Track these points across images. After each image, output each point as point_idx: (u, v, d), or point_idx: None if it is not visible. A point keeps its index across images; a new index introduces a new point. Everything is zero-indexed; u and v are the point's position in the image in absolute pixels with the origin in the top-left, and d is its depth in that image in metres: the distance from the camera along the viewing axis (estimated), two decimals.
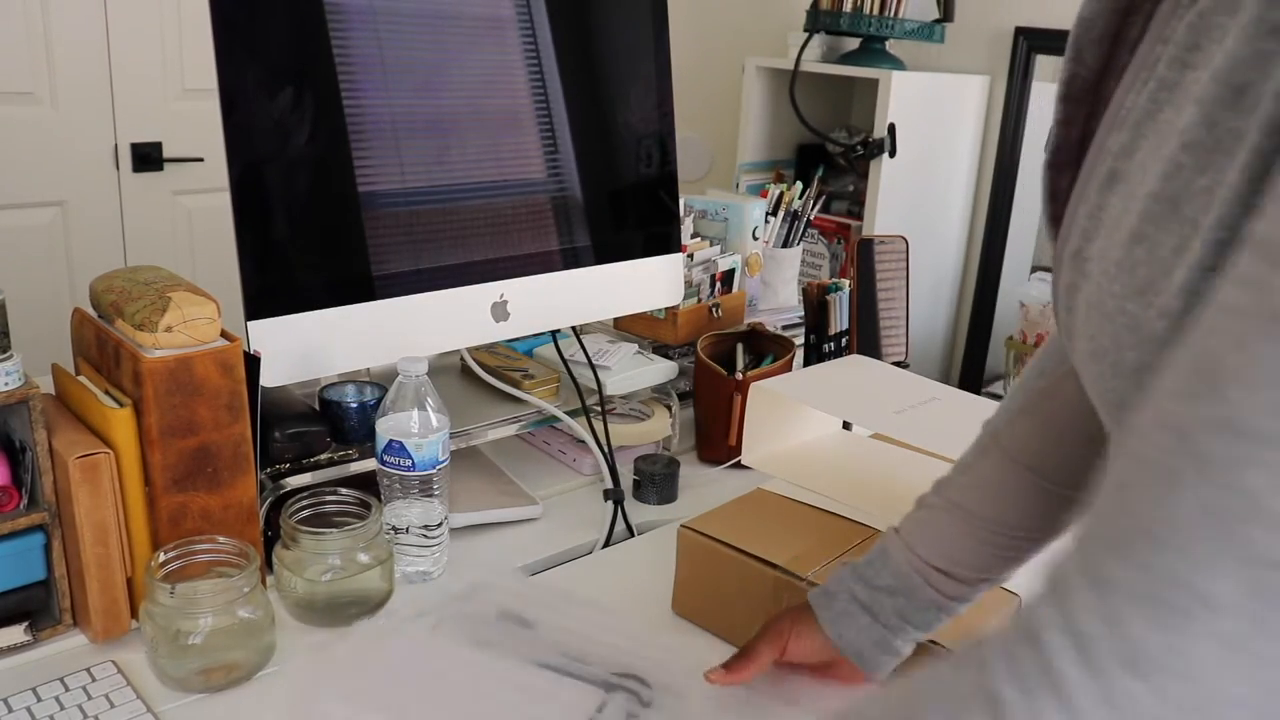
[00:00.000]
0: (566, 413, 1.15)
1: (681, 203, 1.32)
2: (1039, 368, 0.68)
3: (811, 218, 1.63)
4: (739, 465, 1.15)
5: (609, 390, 1.18)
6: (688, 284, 1.36)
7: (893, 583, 0.69)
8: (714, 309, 1.39)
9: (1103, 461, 0.68)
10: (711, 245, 1.47)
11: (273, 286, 0.93)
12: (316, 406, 1.03)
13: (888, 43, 2.59)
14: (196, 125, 2.31)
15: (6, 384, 0.75)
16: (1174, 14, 0.42)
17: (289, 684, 0.78)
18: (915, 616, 0.69)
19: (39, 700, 0.74)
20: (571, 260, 1.16)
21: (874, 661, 0.70)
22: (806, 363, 1.40)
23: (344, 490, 0.90)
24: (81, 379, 0.85)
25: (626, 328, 1.39)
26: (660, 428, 1.23)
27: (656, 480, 1.14)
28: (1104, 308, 0.41)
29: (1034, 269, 2.73)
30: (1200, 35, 0.39)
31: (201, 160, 2.35)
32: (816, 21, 2.54)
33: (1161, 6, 0.43)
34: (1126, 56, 0.49)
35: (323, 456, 0.99)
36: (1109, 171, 0.43)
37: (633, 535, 1.08)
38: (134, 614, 0.82)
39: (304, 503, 0.88)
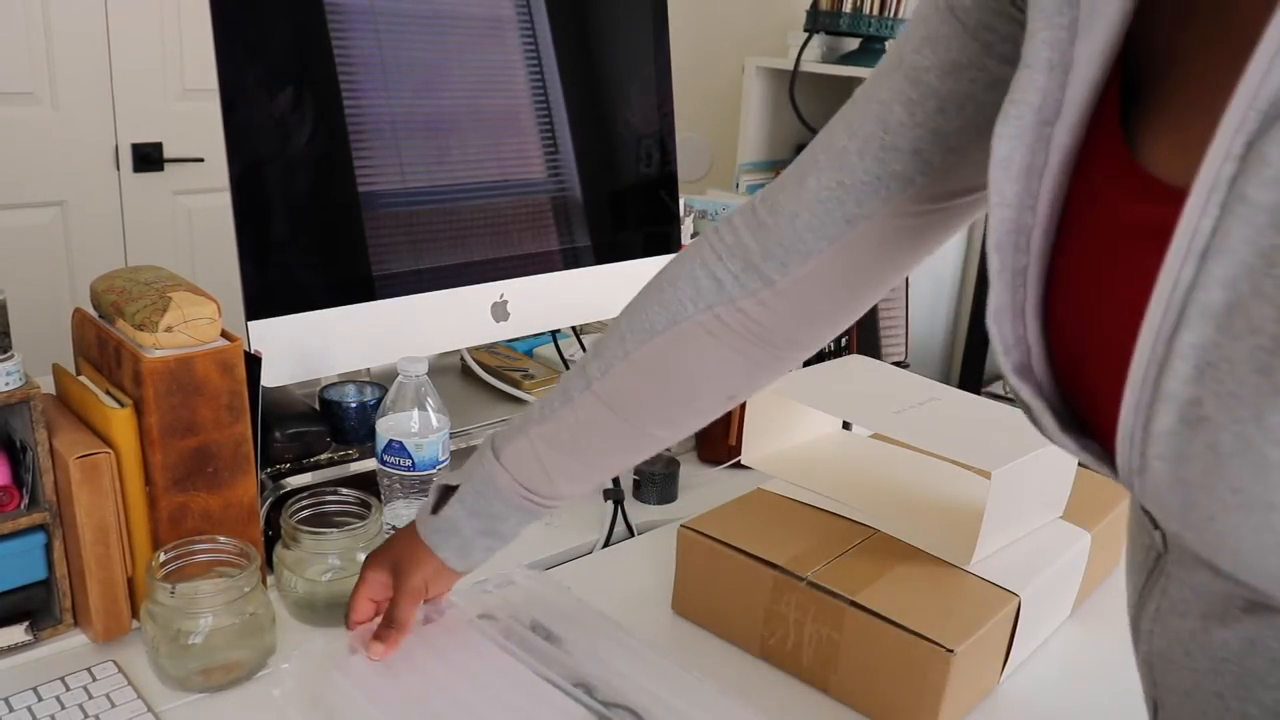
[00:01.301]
0: None
1: (681, 203, 1.32)
2: (645, 327, 0.72)
3: None
4: (739, 465, 1.15)
5: None
6: None
7: (504, 509, 0.77)
8: None
9: (706, 413, 0.75)
10: None
11: (273, 286, 0.93)
12: (317, 406, 1.04)
13: (888, 43, 2.59)
14: (197, 125, 2.32)
15: (7, 384, 0.75)
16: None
17: (292, 681, 0.78)
18: (525, 522, 0.79)
19: (40, 700, 0.74)
20: (571, 260, 1.16)
21: (483, 559, 0.81)
22: (806, 363, 1.40)
23: (344, 490, 0.90)
24: (82, 379, 0.85)
25: None
26: None
27: (656, 480, 1.14)
28: (1265, 459, 0.38)
29: None
30: None
31: (202, 160, 2.35)
32: (816, 22, 2.54)
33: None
34: (1036, 184, 0.49)
35: (323, 456, 0.99)
36: (1204, 305, 0.40)
37: (633, 535, 1.08)
38: (135, 614, 0.82)
39: (304, 502, 0.88)
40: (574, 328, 1.24)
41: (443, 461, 0.95)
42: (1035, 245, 0.50)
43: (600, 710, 0.72)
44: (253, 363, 0.85)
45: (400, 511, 0.94)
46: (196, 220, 2.41)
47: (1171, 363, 0.41)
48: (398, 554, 0.80)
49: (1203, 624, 0.48)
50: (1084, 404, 0.51)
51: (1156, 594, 0.52)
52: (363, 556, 0.86)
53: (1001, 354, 0.51)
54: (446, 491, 0.79)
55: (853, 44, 2.64)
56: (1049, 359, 0.52)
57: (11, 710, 0.73)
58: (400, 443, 0.92)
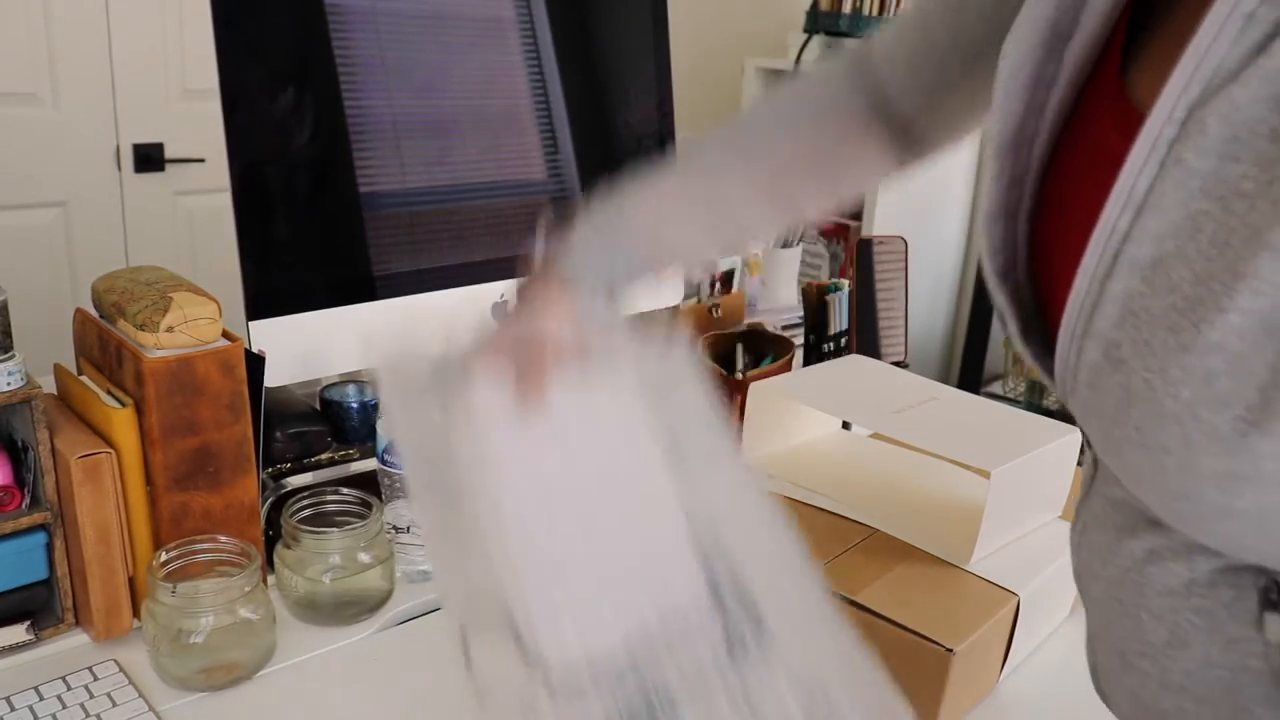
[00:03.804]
0: None
1: None
2: (798, 109, 0.72)
3: None
4: None
5: None
6: (687, 284, 1.37)
7: (622, 226, 0.68)
8: (714, 309, 1.39)
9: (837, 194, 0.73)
10: None
11: (274, 287, 0.93)
12: (317, 406, 1.04)
13: None
14: (198, 126, 2.32)
15: (9, 384, 0.75)
16: None
17: (290, 683, 0.78)
18: (639, 248, 0.68)
19: (41, 699, 0.75)
20: None
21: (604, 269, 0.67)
22: (806, 363, 1.40)
23: (345, 490, 0.90)
24: (83, 379, 0.85)
25: None
26: None
27: None
28: (1162, 408, 0.40)
29: None
30: None
31: (203, 161, 2.35)
32: (816, 23, 2.55)
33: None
34: (1043, 94, 0.51)
35: (324, 456, 0.99)
36: (1132, 259, 0.42)
37: None
38: (136, 613, 0.82)
39: (305, 502, 0.88)
40: None
41: None
42: (1036, 154, 0.52)
43: (722, 596, 0.59)
44: (254, 363, 0.85)
45: (401, 511, 0.94)
46: (197, 221, 2.41)
47: (1102, 305, 0.44)
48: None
49: (1116, 535, 0.51)
50: (1050, 317, 0.53)
51: (1086, 509, 0.56)
52: (364, 556, 0.87)
53: (988, 256, 0.53)
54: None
55: (852, 45, 2.64)
56: (1030, 267, 0.54)
57: (13, 709, 0.73)
58: None
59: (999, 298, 0.54)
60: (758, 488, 0.63)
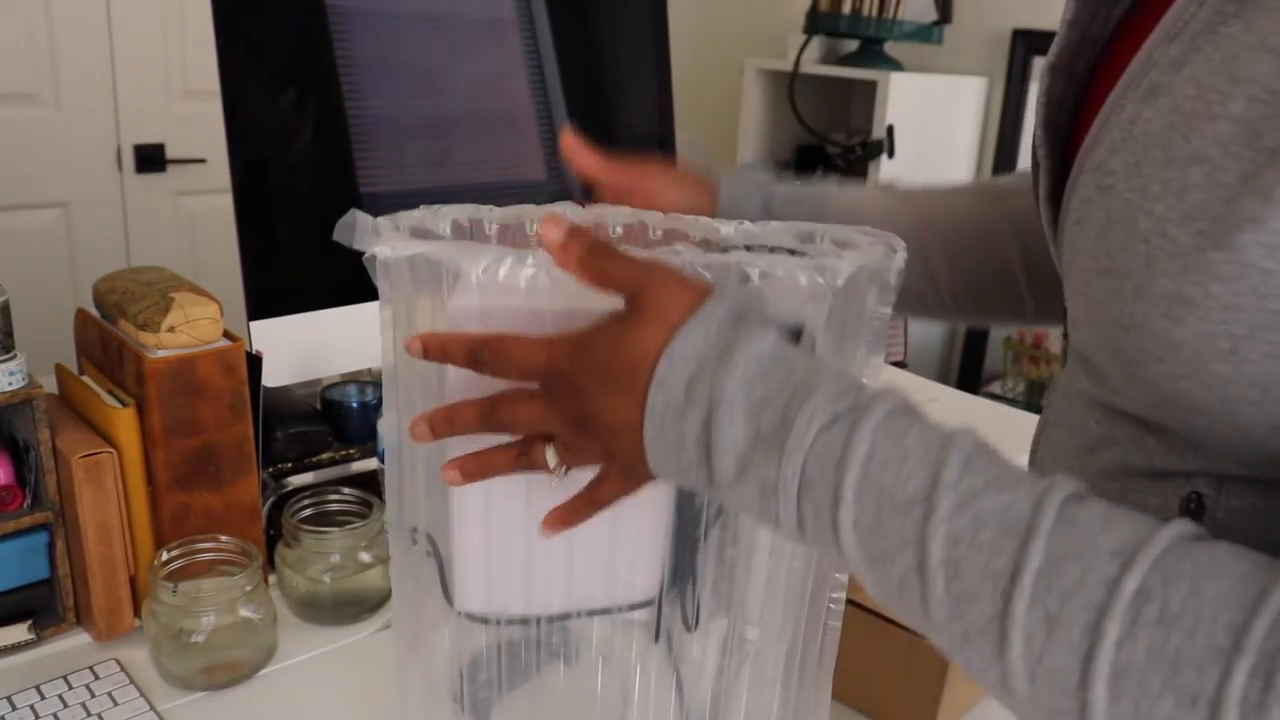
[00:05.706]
0: None
1: None
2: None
3: None
4: None
5: None
6: None
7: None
8: None
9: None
10: None
11: (275, 287, 0.94)
12: (318, 406, 1.04)
13: (886, 44, 2.60)
14: (199, 127, 2.32)
15: (10, 384, 0.76)
16: None
17: (291, 682, 0.78)
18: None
19: (43, 698, 0.75)
20: None
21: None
22: None
23: (346, 489, 0.90)
24: (85, 379, 0.86)
25: None
26: None
27: None
28: (1135, 227, 0.42)
29: None
30: None
31: (204, 162, 2.35)
32: (815, 23, 2.55)
33: None
34: None
35: (324, 456, 1.00)
36: (1151, 84, 0.44)
37: None
38: (137, 612, 0.83)
39: (306, 502, 0.89)
40: None
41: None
42: (1116, 14, 0.52)
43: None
44: (254, 363, 0.85)
45: None
46: (199, 221, 2.41)
47: (1107, 132, 0.46)
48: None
49: (1068, 432, 0.54)
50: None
51: (1049, 408, 0.58)
52: (365, 556, 0.87)
53: (1039, 105, 0.54)
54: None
55: (852, 45, 2.64)
56: (1074, 124, 0.55)
57: (14, 709, 0.74)
58: None
59: (1040, 151, 0.55)
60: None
